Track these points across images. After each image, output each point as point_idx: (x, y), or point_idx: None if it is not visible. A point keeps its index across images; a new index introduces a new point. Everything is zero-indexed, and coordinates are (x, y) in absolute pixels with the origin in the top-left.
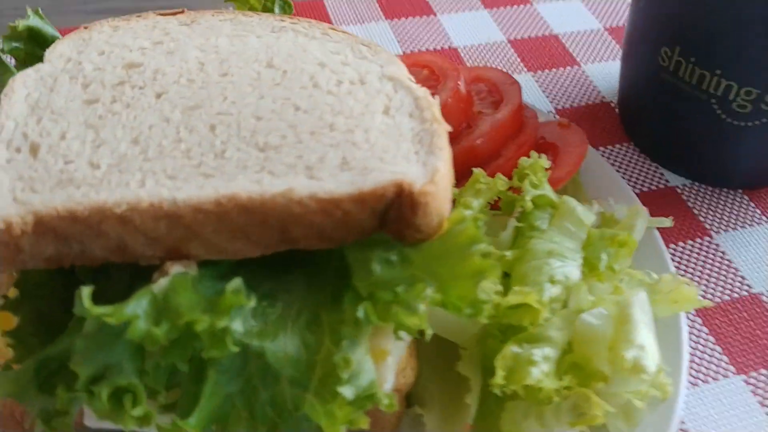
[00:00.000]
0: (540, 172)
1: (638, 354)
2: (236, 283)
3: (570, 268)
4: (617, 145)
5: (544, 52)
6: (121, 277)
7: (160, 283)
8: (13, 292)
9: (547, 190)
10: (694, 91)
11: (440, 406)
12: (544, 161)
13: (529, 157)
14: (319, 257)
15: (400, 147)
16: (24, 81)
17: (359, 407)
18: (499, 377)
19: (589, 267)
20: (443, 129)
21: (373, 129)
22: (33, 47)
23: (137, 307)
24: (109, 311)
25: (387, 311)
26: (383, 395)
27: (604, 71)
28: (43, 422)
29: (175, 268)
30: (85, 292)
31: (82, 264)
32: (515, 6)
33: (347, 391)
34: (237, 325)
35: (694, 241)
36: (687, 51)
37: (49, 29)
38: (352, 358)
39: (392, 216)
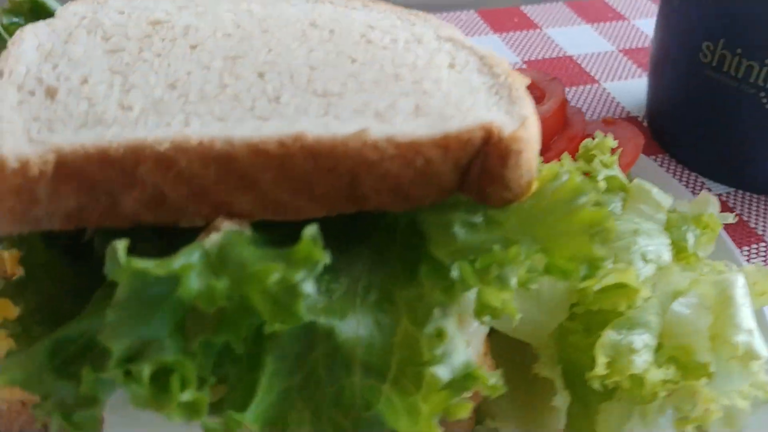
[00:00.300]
0: (608, 152)
1: (748, 339)
2: (312, 229)
3: (660, 248)
4: (651, 157)
5: (562, 71)
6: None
7: (212, 238)
8: (12, 273)
9: (618, 172)
10: (741, 85)
11: (518, 417)
12: (611, 140)
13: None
14: (384, 227)
15: (477, 98)
16: (35, 32)
17: (456, 391)
18: (600, 366)
19: (677, 249)
20: (521, 82)
21: (443, 80)
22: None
23: (189, 259)
24: (154, 264)
25: (485, 274)
26: (487, 373)
27: (626, 89)
28: (63, 416)
29: (226, 225)
30: (121, 244)
31: (107, 225)
32: (525, 31)
33: (442, 371)
34: (308, 288)
35: (750, 247)
36: (732, 42)
37: (53, 3)
38: (446, 330)
39: (476, 171)
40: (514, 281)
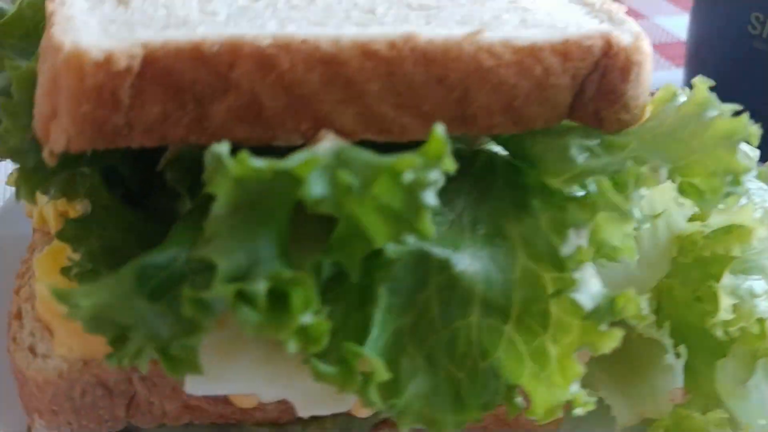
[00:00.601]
0: None
1: None
2: (442, 127)
3: (762, 192)
4: None
5: None
6: None
7: (323, 145)
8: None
9: None
10: None
11: (623, 383)
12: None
13: None
14: (483, 162)
15: (581, 17)
16: None
17: (601, 318)
18: (725, 311)
19: None
20: (618, 7)
21: (538, 2)
22: None
23: (308, 158)
24: (267, 164)
25: (624, 189)
26: (637, 298)
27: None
28: (159, 349)
29: (330, 138)
30: (224, 146)
31: (192, 141)
32: None
33: (584, 299)
34: (432, 200)
35: None
36: None
37: None
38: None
39: (591, 90)
40: (637, 212)
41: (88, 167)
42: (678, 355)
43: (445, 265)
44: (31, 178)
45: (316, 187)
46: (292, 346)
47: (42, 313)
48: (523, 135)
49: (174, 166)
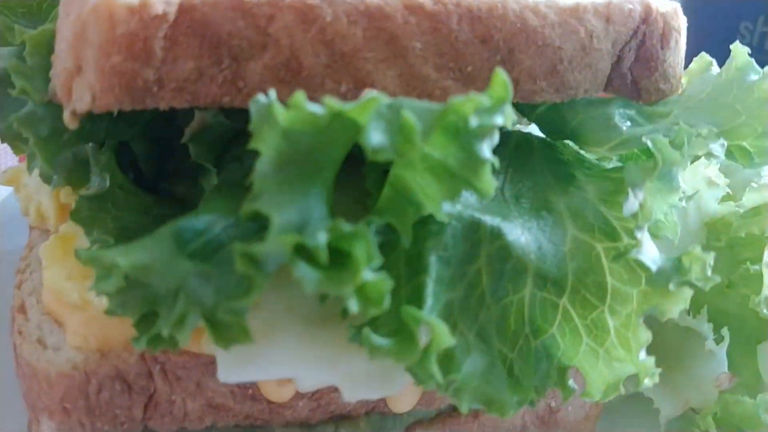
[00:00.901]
0: None
1: None
2: (503, 72)
3: None
4: None
5: None
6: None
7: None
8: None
9: None
10: None
11: (663, 376)
12: None
13: None
14: (519, 141)
15: None
16: None
17: (664, 282)
18: None
19: None
20: None
21: None
22: None
23: (363, 103)
24: (325, 107)
25: (680, 146)
26: (704, 256)
27: None
28: (205, 315)
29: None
30: (271, 93)
31: (222, 103)
32: None
33: (647, 258)
34: (488, 153)
35: None
36: None
37: None
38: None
39: (630, 58)
40: (680, 182)
41: (102, 144)
42: (718, 341)
43: (496, 234)
44: (46, 147)
45: (375, 133)
46: (353, 305)
47: (50, 305)
48: (561, 107)
49: (198, 139)
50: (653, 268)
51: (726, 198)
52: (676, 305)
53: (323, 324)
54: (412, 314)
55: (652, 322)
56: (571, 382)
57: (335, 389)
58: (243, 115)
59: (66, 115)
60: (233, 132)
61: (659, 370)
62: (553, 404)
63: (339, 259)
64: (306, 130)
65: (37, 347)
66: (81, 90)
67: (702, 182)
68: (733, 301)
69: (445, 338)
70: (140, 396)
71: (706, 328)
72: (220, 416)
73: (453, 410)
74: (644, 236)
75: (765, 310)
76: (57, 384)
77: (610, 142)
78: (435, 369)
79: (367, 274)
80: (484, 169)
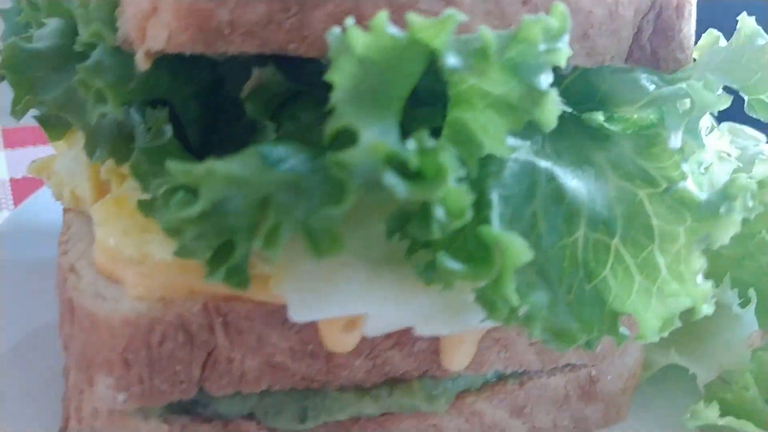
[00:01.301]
0: None
1: None
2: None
3: None
4: None
5: None
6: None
7: None
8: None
9: None
10: None
11: (694, 345)
12: None
13: None
14: None
15: None
16: None
17: (715, 207)
18: None
19: None
20: None
21: None
22: None
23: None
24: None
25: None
26: (750, 182)
27: None
28: (300, 224)
29: None
30: (349, 20)
31: (289, 50)
32: None
33: (694, 190)
34: (547, 85)
35: None
36: None
37: None
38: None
39: (648, 30)
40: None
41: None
42: (744, 304)
43: (550, 177)
44: (115, 92)
45: (452, 53)
46: (440, 212)
47: (104, 264)
48: (589, 75)
49: (255, 96)
50: (702, 198)
51: (737, 171)
52: (727, 231)
53: (391, 264)
54: (488, 232)
55: None
56: (622, 329)
57: (393, 345)
58: (299, 73)
59: (139, 56)
60: (289, 91)
61: (714, 298)
62: (593, 373)
63: (424, 170)
64: (381, 57)
65: (97, 299)
66: (156, 30)
67: (714, 155)
68: (752, 270)
69: (523, 253)
70: (201, 351)
71: (730, 296)
72: (276, 377)
73: (498, 380)
74: (688, 170)
75: None
76: (120, 333)
77: (639, 101)
78: (510, 289)
79: (452, 183)
80: (545, 99)
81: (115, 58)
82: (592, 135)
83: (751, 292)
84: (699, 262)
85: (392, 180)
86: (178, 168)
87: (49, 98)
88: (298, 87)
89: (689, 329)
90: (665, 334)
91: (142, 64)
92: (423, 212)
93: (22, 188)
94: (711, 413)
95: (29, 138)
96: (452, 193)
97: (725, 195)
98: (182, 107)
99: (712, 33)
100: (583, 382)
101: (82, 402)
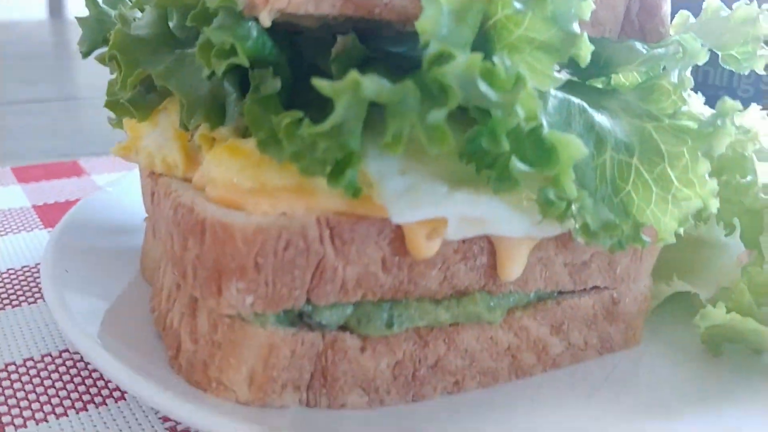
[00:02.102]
0: None
1: None
2: None
3: None
4: None
5: None
6: None
7: None
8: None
9: None
10: None
11: (693, 271)
12: None
13: None
14: None
15: None
16: None
17: (713, 121)
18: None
19: None
20: None
21: None
22: None
23: None
24: None
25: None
26: (735, 103)
27: None
28: (417, 123)
29: None
30: None
31: (376, 12)
32: None
33: (695, 111)
34: (578, 28)
35: None
36: None
37: None
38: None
39: (636, 6)
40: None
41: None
42: (730, 232)
43: (582, 109)
44: (242, 45)
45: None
46: (521, 112)
47: (227, 195)
48: (594, 43)
49: (339, 60)
50: (696, 124)
51: None
52: (724, 140)
53: (469, 179)
54: (552, 133)
55: (670, 246)
56: (644, 237)
57: (461, 259)
58: (372, 40)
59: (263, 15)
60: (363, 56)
61: (718, 195)
62: (615, 295)
63: (508, 79)
64: (462, 3)
65: (229, 216)
66: None
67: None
68: (732, 208)
69: (580, 148)
70: (313, 258)
71: (717, 231)
72: (368, 288)
73: (539, 300)
74: (689, 98)
75: (761, 194)
76: (254, 240)
77: (636, 60)
78: (570, 181)
79: (530, 90)
80: (581, 40)
81: (236, 21)
82: (601, 92)
83: (735, 221)
84: (704, 167)
85: (484, 87)
86: (323, 84)
87: (156, 71)
88: (370, 53)
89: (688, 260)
90: (681, 231)
91: (265, 21)
92: (501, 120)
93: (46, 214)
94: (718, 312)
95: (39, 174)
96: (528, 98)
97: (719, 113)
98: (278, 70)
99: (684, 13)
100: (607, 303)
101: (196, 325)
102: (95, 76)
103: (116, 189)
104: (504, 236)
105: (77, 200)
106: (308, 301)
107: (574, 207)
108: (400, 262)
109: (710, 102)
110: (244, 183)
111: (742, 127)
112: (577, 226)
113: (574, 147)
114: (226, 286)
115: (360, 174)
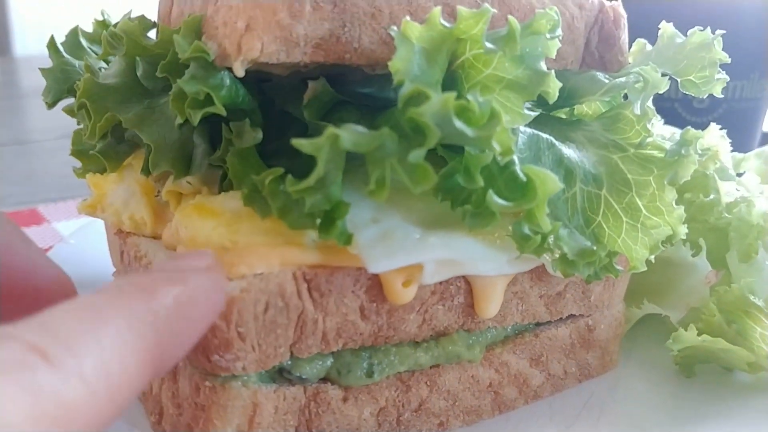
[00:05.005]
0: None
1: None
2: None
3: None
4: None
5: None
6: None
7: None
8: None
9: None
10: None
11: (662, 293)
12: None
13: None
14: None
15: None
16: None
17: (678, 150)
18: (726, 194)
19: None
20: None
21: None
22: None
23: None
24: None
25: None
26: (698, 133)
27: None
28: (399, 164)
29: None
30: (406, 18)
31: (346, 57)
32: None
33: (660, 141)
34: (545, 67)
35: None
36: None
37: None
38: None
39: (595, 40)
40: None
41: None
42: (696, 253)
43: (551, 144)
44: (217, 94)
45: (487, 41)
46: (497, 146)
47: None
48: (557, 75)
49: (311, 104)
50: (661, 153)
51: None
52: (689, 168)
53: (441, 221)
54: (528, 168)
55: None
56: (617, 266)
57: (438, 300)
58: (341, 83)
59: (236, 66)
60: (334, 100)
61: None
62: (590, 323)
63: (482, 115)
64: (431, 44)
65: None
66: (251, 43)
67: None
68: (698, 228)
69: (555, 184)
70: (293, 314)
71: (684, 251)
72: (349, 337)
73: (517, 333)
74: (653, 129)
75: (725, 214)
76: (231, 311)
77: (599, 90)
78: (545, 216)
79: (505, 126)
80: (549, 78)
81: (209, 71)
82: (567, 123)
83: (701, 242)
84: (671, 195)
85: (460, 124)
86: (302, 142)
87: (126, 117)
88: (340, 96)
89: (656, 283)
90: (652, 258)
91: (239, 71)
92: (475, 157)
93: None
94: (690, 335)
95: (18, 220)
96: (503, 132)
97: (682, 142)
98: (252, 118)
99: (640, 41)
100: (583, 331)
101: (178, 389)
102: (45, 119)
103: (80, 241)
104: (480, 275)
105: None
106: (291, 355)
107: (550, 239)
108: (378, 308)
109: (667, 114)
110: (218, 241)
111: (702, 145)
112: (555, 256)
113: (550, 182)
114: (214, 358)
115: None
